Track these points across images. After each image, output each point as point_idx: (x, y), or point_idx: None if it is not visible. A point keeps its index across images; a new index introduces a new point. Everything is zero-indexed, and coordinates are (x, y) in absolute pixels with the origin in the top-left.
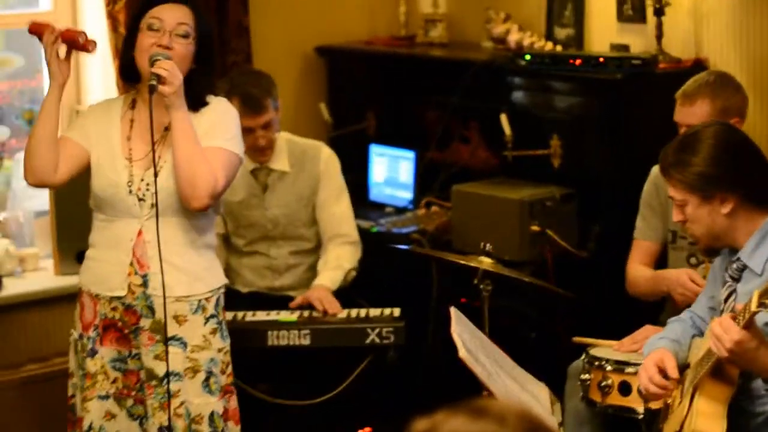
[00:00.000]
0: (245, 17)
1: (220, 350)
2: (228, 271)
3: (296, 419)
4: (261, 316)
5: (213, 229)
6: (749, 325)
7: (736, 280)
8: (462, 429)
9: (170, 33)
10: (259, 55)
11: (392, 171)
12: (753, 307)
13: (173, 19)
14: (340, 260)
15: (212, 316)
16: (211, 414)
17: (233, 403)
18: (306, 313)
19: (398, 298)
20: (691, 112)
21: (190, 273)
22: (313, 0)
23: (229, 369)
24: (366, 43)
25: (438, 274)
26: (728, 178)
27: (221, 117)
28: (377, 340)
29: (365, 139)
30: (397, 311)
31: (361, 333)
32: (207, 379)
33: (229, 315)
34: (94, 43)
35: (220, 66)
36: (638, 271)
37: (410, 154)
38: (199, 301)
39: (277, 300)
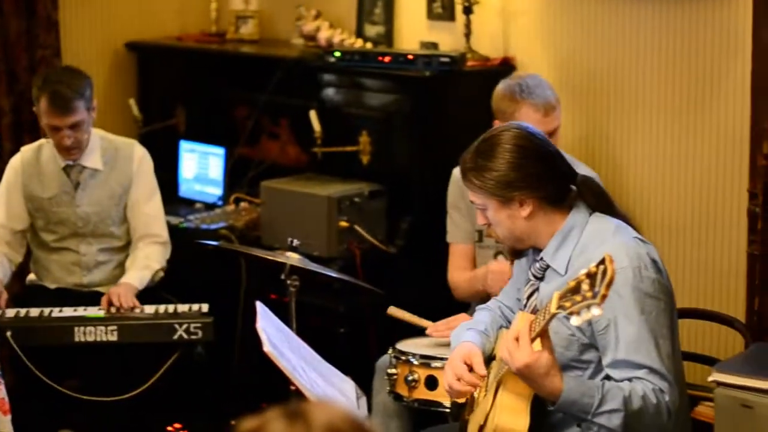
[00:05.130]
0: (54, 12)
1: None
2: (36, 266)
3: (105, 415)
4: (68, 312)
5: None
6: (545, 330)
7: (540, 279)
8: None
9: None
10: (69, 50)
11: (202, 167)
12: (552, 309)
13: None
14: (149, 260)
15: None
16: None
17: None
18: (113, 309)
19: (207, 294)
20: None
21: None
22: None
23: None
24: (177, 39)
25: (247, 270)
26: (525, 182)
27: None
28: (185, 336)
29: (175, 135)
30: (205, 307)
31: (168, 329)
32: None
33: (36, 311)
34: None
35: (27, 61)
36: (458, 276)
37: (220, 151)
38: None
39: (85, 296)
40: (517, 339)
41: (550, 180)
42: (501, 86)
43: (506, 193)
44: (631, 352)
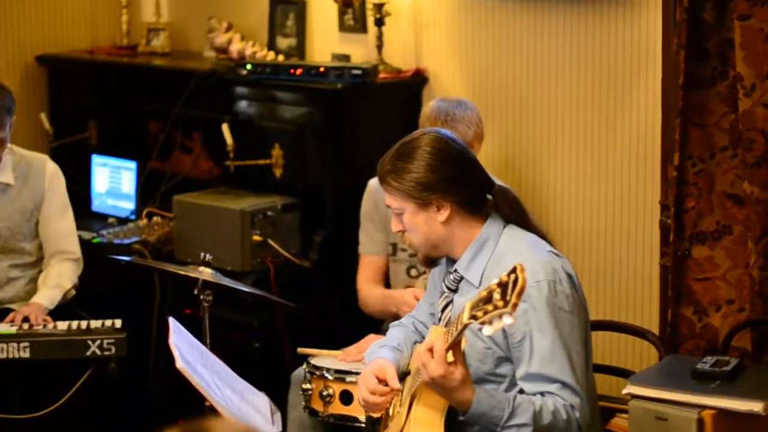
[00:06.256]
0: None
1: None
2: None
3: None
4: None
5: None
6: (458, 342)
7: (453, 290)
8: None
9: None
10: None
11: (114, 181)
12: (465, 319)
13: None
14: (60, 278)
15: None
16: None
17: None
18: (26, 326)
19: (121, 310)
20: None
21: None
22: (34, 8)
23: None
24: (88, 52)
25: (161, 285)
26: (443, 184)
27: None
28: (98, 352)
29: (87, 150)
30: (118, 323)
31: (81, 345)
32: None
33: None
34: None
35: None
36: (370, 290)
37: (132, 165)
38: None
39: None
40: (430, 350)
41: (467, 184)
42: (432, 105)
43: (424, 196)
44: (545, 365)
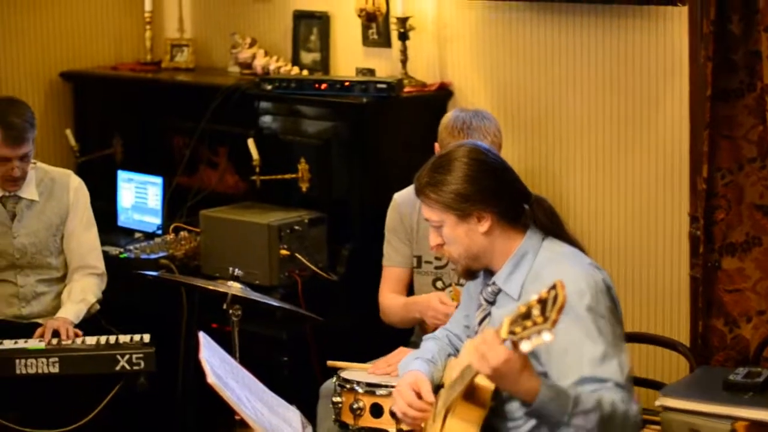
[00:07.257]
0: None
1: None
2: None
3: None
4: (8, 344)
5: None
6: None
7: (491, 303)
8: None
9: None
10: (3, 81)
11: (140, 196)
12: (503, 334)
13: None
14: (85, 293)
15: None
16: None
17: None
18: (55, 341)
19: (149, 324)
20: None
21: None
22: (59, 25)
23: None
24: (112, 68)
25: (188, 299)
26: (483, 195)
27: None
28: (127, 367)
29: (113, 165)
30: (147, 337)
31: (110, 359)
32: None
33: None
34: None
35: None
36: (391, 299)
37: (158, 180)
38: None
39: (25, 328)
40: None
41: (506, 194)
42: (451, 115)
43: (464, 207)
44: (596, 368)
